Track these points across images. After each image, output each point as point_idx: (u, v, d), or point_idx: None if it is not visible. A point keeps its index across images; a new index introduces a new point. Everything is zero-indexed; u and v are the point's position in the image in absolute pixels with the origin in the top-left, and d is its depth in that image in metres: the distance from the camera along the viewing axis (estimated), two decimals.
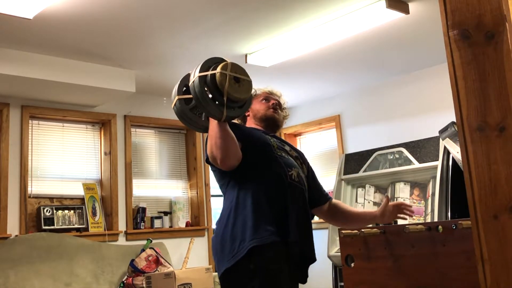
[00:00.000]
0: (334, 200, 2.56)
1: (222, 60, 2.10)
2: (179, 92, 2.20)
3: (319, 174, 6.06)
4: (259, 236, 2.08)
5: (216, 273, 2.30)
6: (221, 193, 2.40)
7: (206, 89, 2.04)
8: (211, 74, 2.02)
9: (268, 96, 2.51)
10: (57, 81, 4.22)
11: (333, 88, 5.62)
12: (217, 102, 2.03)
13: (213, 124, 2.10)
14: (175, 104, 2.21)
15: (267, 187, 2.18)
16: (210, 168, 2.45)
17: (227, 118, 2.05)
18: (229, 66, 2.04)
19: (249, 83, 2.09)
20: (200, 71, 2.05)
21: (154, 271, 4.58)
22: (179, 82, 2.22)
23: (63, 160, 4.96)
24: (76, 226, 4.75)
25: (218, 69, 2.02)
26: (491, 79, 1.29)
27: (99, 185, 5.14)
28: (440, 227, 2.47)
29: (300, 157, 2.45)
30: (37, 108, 4.74)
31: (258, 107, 2.48)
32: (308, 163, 2.50)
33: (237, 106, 2.10)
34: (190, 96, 2.11)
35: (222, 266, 2.12)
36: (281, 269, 2.12)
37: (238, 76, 2.06)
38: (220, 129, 2.07)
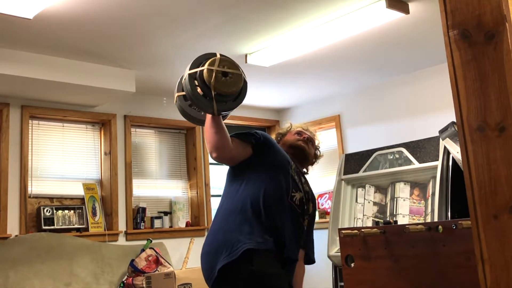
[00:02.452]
0: (302, 268, 2.45)
1: (213, 55, 2.15)
2: (178, 89, 2.28)
3: (319, 174, 6.10)
4: (254, 241, 2.08)
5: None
6: (220, 193, 2.41)
7: (196, 85, 2.11)
8: (199, 71, 2.10)
9: (301, 131, 2.61)
10: (57, 81, 4.22)
11: (333, 88, 5.61)
12: (208, 98, 2.09)
13: (207, 118, 2.18)
14: (176, 101, 2.29)
15: (266, 198, 2.19)
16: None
17: (218, 112, 2.12)
18: (216, 61, 2.10)
19: (238, 76, 2.14)
20: (190, 69, 2.12)
21: (154, 271, 4.58)
22: (179, 80, 2.27)
23: (63, 160, 4.96)
24: (76, 226, 4.75)
25: (206, 65, 2.09)
26: (491, 79, 1.29)
27: (99, 185, 5.14)
28: (440, 227, 2.47)
29: (310, 196, 2.43)
30: (37, 108, 4.74)
31: (289, 137, 2.58)
32: (314, 208, 2.46)
33: (229, 99, 2.15)
34: None
35: (216, 265, 2.09)
36: (280, 275, 2.13)
37: (226, 71, 2.11)
38: (211, 123, 2.15)
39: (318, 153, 2.66)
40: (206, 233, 5.62)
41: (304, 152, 2.54)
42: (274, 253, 2.13)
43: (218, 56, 2.13)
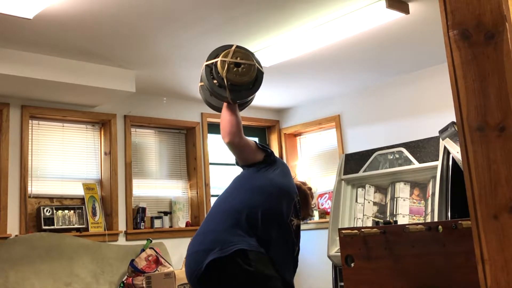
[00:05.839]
0: None
1: (229, 46, 2.30)
2: (200, 80, 2.41)
3: (319, 174, 6.09)
4: (248, 243, 2.08)
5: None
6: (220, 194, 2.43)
7: (212, 75, 2.26)
8: (214, 63, 2.25)
9: (304, 182, 2.65)
10: (57, 81, 4.22)
11: (333, 88, 5.61)
12: (223, 88, 2.24)
13: (224, 105, 2.31)
14: (199, 91, 2.45)
15: (265, 211, 2.20)
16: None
17: (234, 101, 2.27)
18: (230, 52, 2.25)
19: (250, 66, 2.27)
20: (207, 60, 2.28)
21: (154, 271, 4.58)
22: (201, 71, 2.41)
23: (63, 160, 4.96)
24: (76, 226, 4.74)
25: (220, 57, 2.24)
26: (491, 79, 1.29)
27: (99, 185, 5.14)
28: (440, 227, 2.47)
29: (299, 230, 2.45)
30: (37, 108, 4.74)
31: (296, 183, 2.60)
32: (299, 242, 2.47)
33: (243, 89, 2.28)
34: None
35: (204, 261, 2.07)
36: (278, 277, 2.12)
37: (239, 61, 2.24)
38: (226, 110, 2.27)
39: (311, 212, 2.65)
40: None
41: (307, 198, 2.55)
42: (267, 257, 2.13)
43: (233, 48, 2.27)
